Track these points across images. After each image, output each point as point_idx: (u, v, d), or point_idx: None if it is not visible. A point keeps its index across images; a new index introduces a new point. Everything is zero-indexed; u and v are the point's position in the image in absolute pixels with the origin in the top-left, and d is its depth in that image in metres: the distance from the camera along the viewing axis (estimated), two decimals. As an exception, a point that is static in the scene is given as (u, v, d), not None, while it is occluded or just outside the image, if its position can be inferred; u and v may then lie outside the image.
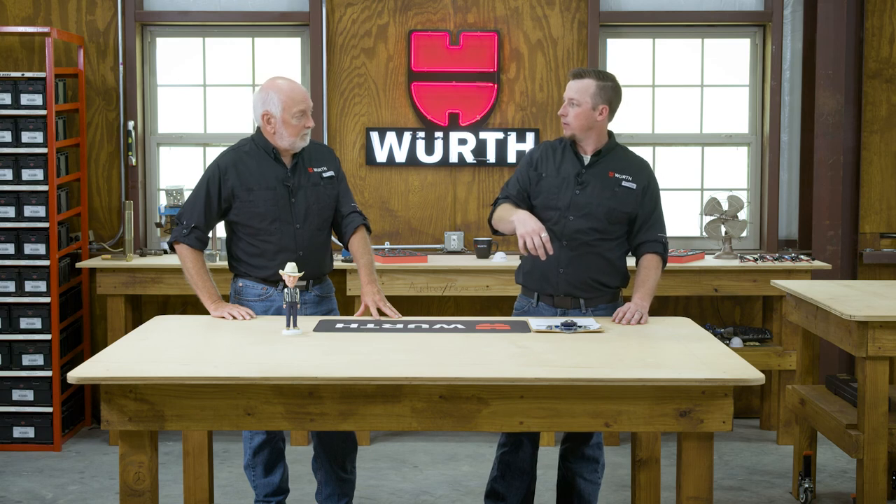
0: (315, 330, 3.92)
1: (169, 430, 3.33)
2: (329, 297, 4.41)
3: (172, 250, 4.43)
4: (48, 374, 5.73)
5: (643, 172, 4.22)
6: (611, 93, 4.16)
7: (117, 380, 3.26)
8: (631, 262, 4.30)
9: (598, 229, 4.14)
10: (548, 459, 5.23)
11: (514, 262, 5.69)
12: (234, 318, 4.12)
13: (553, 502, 4.59)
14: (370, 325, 4.02)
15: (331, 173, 4.35)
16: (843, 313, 4.21)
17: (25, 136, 5.72)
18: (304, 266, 4.12)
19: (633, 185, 4.17)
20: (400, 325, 4.02)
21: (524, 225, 3.95)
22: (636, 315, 4.06)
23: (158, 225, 5.98)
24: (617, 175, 4.17)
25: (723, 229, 5.97)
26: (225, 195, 4.23)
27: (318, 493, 4.40)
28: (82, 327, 6.17)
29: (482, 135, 6.20)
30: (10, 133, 5.72)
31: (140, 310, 6.08)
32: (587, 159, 4.20)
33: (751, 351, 5.80)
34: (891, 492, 4.83)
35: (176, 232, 4.26)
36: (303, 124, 4.21)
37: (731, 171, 6.41)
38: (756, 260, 5.91)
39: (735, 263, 5.83)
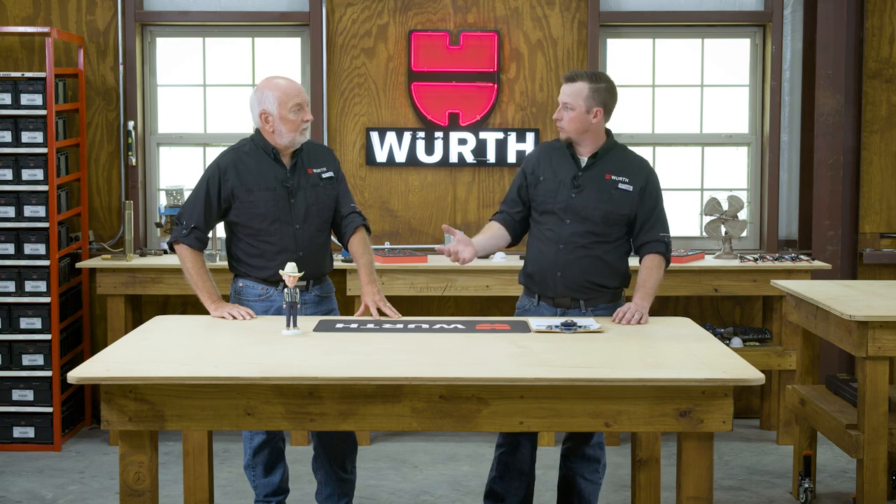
0: (315, 330, 3.92)
1: (169, 430, 3.33)
2: (329, 297, 4.40)
3: (172, 250, 4.43)
4: (48, 374, 5.73)
5: (641, 173, 4.20)
6: (605, 94, 4.14)
7: (117, 380, 3.26)
8: (634, 261, 4.29)
9: (594, 233, 4.13)
10: (548, 459, 5.22)
11: (514, 262, 5.69)
12: (234, 318, 4.11)
13: (553, 502, 4.58)
14: (370, 325, 4.01)
15: (330, 174, 4.35)
16: (843, 313, 4.20)
17: (25, 136, 5.72)
18: (304, 266, 4.11)
19: (630, 188, 4.15)
20: (400, 325, 4.02)
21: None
22: (636, 315, 4.05)
23: (158, 225, 5.98)
24: (613, 177, 4.15)
25: (723, 229, 5.97)
26: (225, 195, 4.23)
27: (318, 493, 4.40)
28: (82, 327, 6.17)
29: (482, 135, 6.20)
30: (10, 133, 5.71)
31: (140, 310, 6.08)
32: (584, 161, 4.19)
33: (751, 351, 5.80)
34: (891, 492, 4.83)
35: (176, 232, 4.26)
36: (301, 118, 4.20)
37: (731, 171, 6.41)
38: (756, 260, 5.91)
39: (735, 263, 5.83)
